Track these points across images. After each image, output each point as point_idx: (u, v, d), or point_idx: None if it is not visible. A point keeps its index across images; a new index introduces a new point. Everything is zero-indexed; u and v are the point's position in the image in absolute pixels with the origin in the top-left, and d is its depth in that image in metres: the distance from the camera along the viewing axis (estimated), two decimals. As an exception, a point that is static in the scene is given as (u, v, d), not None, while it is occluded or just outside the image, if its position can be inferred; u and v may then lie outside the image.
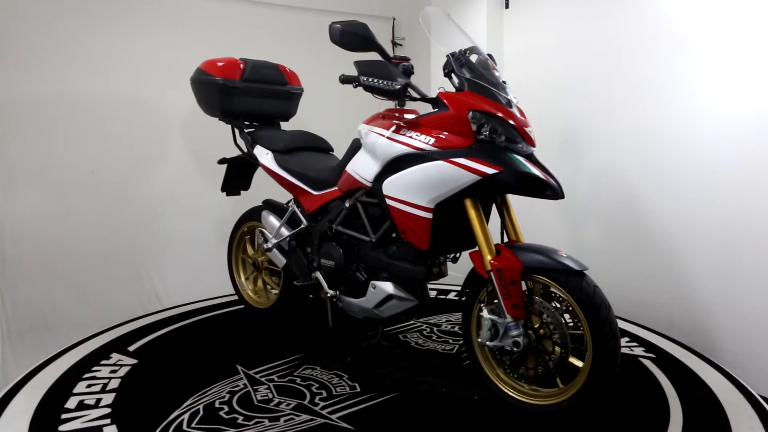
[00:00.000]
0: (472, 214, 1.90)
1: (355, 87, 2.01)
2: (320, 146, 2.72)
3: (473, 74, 1.92)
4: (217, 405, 1.95)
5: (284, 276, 2.68)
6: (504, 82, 1.96)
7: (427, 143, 1.91)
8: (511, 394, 1.94)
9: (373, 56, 2.03)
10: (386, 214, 2.07)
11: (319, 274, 2.36)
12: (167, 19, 3.44)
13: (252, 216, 2.85)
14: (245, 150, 2.78)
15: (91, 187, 3.29)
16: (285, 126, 2.93)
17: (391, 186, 2.00)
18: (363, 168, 2.14)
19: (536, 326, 1.87)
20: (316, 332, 2.67)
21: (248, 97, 2.72)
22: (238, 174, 2.94)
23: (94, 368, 2.25)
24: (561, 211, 3.28)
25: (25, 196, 3.12)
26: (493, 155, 1.81)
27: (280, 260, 2.56)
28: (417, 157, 1.92)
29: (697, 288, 2.68)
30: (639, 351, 2.46)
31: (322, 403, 1.98)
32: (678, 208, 2.74)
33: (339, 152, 2.71)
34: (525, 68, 3.46)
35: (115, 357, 2.37)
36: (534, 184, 1.81)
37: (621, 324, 2.70)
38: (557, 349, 1.84)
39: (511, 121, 1.86)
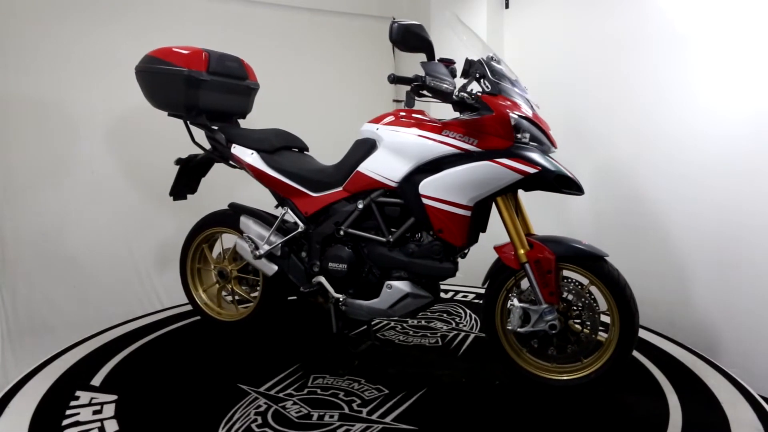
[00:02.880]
0: (505, 210, 2.04)
1: (413, 87, 2.01)
2: (299, 145, 2.60)
3: (503, 79, 2.02)
4: (256, 430, 1.82)
5: (265, 284, 2.55)
6: (526, 88, 2.10)
7: (471, 144, 1.99)
8: (538, 374, 2.10)
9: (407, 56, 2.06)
10: (415, 213, 2.10)
11: (322, 279, 2.29)
12: (168, 19, 3.43)
13: (214, 221, 2.65)
14: (208, 149, 2.62)
15: (91, 187, 3.29)
16: (243, 124, 2.80)
17: (431, 186, 2.04)
18: (385, 168, 2.14)
19: (561, 309, 2.05)
20: (310, 338, 2.63)
21: (213, 92, 2.51)
22: (190, 176, 2.75)
23: (69, 413, 1.89)
24: (561, 210, 3.28)
25: (25, 196, 3.12)
26: (530, 156, 1.95)
27: (271, 268, 2.42)
28: (461, 158, 2.00)
29: (697, 288, 2.68)
30: (638, 351, 2.45)
31: (363, 410, 1.95)
32: (678, 207, 2.74)
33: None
34: (525, 68, 3.43)
35: (85, 396, 2.02)
36: (565, 182, 1.96)
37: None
38: (585, 328, 2.05)
39: (541, 125, 2.02)
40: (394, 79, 2.01)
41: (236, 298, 2.74)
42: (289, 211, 2.41)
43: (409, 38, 1.97)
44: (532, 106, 2.06)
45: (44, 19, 3.10)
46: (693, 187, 2.67)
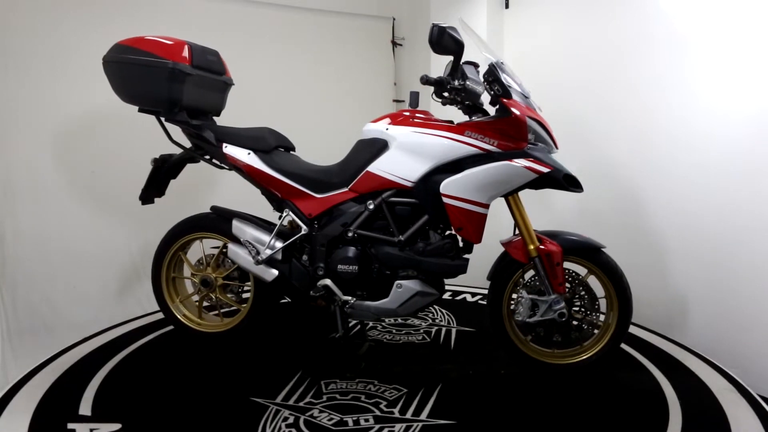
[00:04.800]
0: (516, 208, 2.18)
1: (449, 88, 2.09)
2: (287, 145, 2.49)
3: (512, 83, 2.12)
4: (293, 443, 1.79)
5: (257, 291, 2.44)
6: (529, 92, 2.20)
7: (491, 145, 2.07)
8: (543, 360, 2.25)
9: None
10: (432, 212, 2.14)
11: (328, 282, 2.24)
12: (168, 19, 3.43)
13: (194, 227, 2.50)
14: (188, 148, 2.48)
15: (91, 187, 3.29)
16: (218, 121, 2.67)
17: (454, 185, 2.09)
18: (400, 168, 2.16)
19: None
20: (303, 343, 2.58)
21: (196, 87, 2.33)
22: (163, 178, 2.58)
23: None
24: (561, 210, 3.28)
25: (25, 195, 3.12)
26: (542, 156, 2.08)
27: (270, 273, 2.31)
28: (482, 158, 2.07)
29: (696, 288, 2.68)
30: (638, 351, 2.46)
31: (394, 410, 1.95)
32: (678, 207, 2.74)
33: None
34: (525, 68, 3.44)
35: (82, 429, 1.81)
36: (570, 180, 2.09)
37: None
38: (587, 315, 2.24)
39: (546, 127, 2.15)
40: (428, 81, 2.06)
41: (221, 307, 2.58)
42: (290, 213, 2.34)
43: (447, 41, 2.00)
44: (536, 109, 2.15)
45: (44, 19, 3.10)
46: (693, 187, 2.66)
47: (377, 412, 1.94)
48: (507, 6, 3.64)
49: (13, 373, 2.82)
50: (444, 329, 2.76)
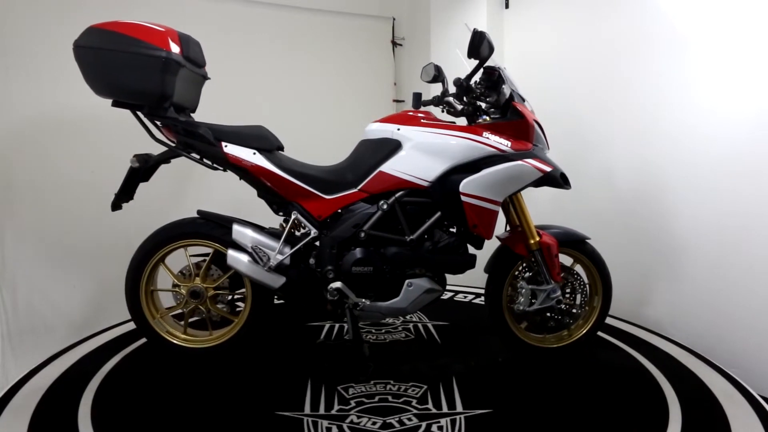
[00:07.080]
0: (519, 205, 2.32)
1: (479, 92, 2.22)
2: (279, 144, 2.35)
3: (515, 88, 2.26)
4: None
5: (255, 299, 2.31)
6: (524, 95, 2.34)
7: (506, 146, 2.17)
8: (540, 345, 2.42)
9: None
10: (447, 210, 2.19)
11: (340, 285, 2.17)
12: (168, 19, 3.40)
13: (181, 233, 2.32)
14: (173, 146, 2.28)
15: (91, 186, 3.29)
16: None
17: (473, 185, 2.15)
18: (417, 168, 2.18)
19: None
20: (297, 348, 2.53)
21: (185, 81, 2.13)
22: (136, 181, 2.36)
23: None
24: (561, 210, 3.28)
25: (25, 195, 3.12)
26: (545, 156, 2.24)
27: (278, 280, 2.21)
28: (499, 158, 2.16)
29: (697, 288, 2.68)
30: (639, 352, 2.47)
31: (428, 405, 1.97)
32: (678, 208, 2.74)
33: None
34: (525, 68, 3.46)
35: None
36: (564, 178, 2.27)
37: (619, 324, 2.81)
38: (578, 300, 2.44)
39: (542, 128, 2.28)
40: (461, 84, 2.19)
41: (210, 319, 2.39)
42: (298, 215, 2.24)
43: (484, 46, 2.08)
44: (532, 111, 2.28)
45: (44, 19, 3.10)
46: (693, 187, 2.66)
47: (415, 410, 1.93)
48: (507, 6, 3.65)
49: (13, 373, 2.82)
50: (420, 325, 2.81)
